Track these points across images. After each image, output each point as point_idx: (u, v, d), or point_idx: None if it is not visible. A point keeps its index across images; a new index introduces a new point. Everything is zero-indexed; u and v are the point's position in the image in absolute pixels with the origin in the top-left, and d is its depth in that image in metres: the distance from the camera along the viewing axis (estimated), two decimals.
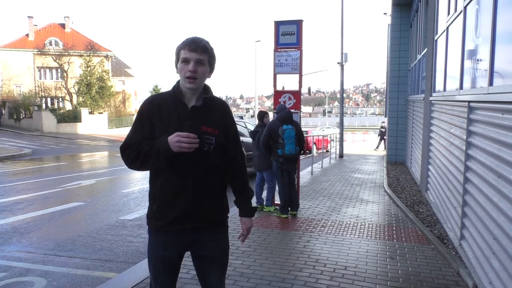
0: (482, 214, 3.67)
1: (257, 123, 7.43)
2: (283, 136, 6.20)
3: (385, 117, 17.18)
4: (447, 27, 6.21)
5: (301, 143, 6.40)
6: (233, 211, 2.18)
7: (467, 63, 4.82)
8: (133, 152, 1.98)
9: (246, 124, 12.33)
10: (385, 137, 23.20)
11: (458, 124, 4.98)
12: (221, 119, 2.09)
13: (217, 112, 2.09)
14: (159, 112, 2.01)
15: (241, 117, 19.79)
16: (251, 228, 2.30)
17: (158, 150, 1.91)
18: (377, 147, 22.74)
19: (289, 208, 6.44)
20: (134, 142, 2.00)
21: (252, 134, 7.16)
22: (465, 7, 4.95)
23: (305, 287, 3.73)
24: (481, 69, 4.11)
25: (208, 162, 2.02)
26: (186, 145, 1.88)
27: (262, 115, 7.22)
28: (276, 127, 6.29)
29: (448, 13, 6.20)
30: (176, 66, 2.01)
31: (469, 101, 4.39)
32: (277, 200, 6.99)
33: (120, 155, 2.05)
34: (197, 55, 1.94)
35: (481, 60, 4.12)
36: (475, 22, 4.45)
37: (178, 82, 2.05)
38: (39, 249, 5.03)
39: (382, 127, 23.89)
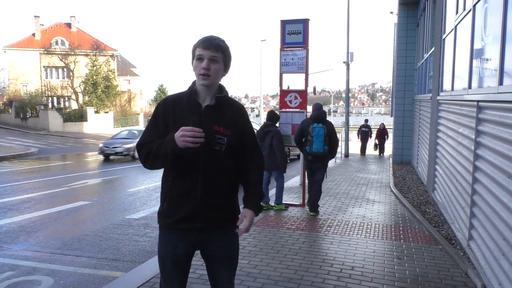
0: (492, 214, 3.63)
1: (263, 123, 7.08)
2: (312, 134, 6.30)
3: (391, 116, 16.92)
4: (455, 26, 6.16)
5: (331, 144, 6.38)
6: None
7: (476, 63, 4.77)
8: (145, 151, 2.01)
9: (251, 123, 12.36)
10: (366, 138, 18.35)
11: (466, 124, 4.94)
12: (235, 120, 2.08)
13: (231, 113, 2.08)
14: (173, 111, 2.03)
15: None
16: (252, 223, 2.14)
17: (166, 147, 1.92)
18: (364, 153, 17.98)
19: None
20: (148, 141, 2.03)
21: (263, 134, 6.69)
22: (474, 6, 4.90)
23: (312, 287, 3.71)
24: (490, 68, 4.07)
25: (218, 162, 2.01)
26: (190, 139, 1.85)
27: (273, 116, 6.88)
28: (307, 124, 6.43)
29: (457, 12, 6.15)
30: (192, 65, 2.03)
31: (478, 101, 4.35)
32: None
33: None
34: (211, 52, 1.97)
35: (490, 59, 4.08)
36: (484, 21, 4.41)
37: (194, 82, 2.08)
38: (46, 248, 5.05)
39: (363, 126, 18.80)
